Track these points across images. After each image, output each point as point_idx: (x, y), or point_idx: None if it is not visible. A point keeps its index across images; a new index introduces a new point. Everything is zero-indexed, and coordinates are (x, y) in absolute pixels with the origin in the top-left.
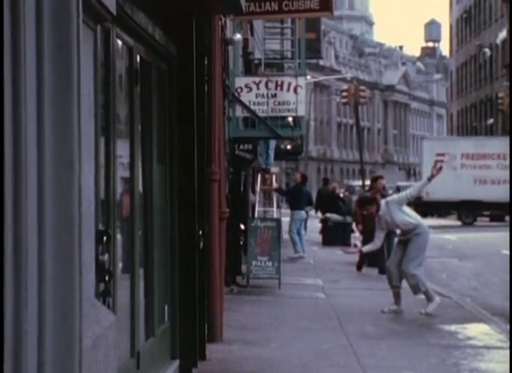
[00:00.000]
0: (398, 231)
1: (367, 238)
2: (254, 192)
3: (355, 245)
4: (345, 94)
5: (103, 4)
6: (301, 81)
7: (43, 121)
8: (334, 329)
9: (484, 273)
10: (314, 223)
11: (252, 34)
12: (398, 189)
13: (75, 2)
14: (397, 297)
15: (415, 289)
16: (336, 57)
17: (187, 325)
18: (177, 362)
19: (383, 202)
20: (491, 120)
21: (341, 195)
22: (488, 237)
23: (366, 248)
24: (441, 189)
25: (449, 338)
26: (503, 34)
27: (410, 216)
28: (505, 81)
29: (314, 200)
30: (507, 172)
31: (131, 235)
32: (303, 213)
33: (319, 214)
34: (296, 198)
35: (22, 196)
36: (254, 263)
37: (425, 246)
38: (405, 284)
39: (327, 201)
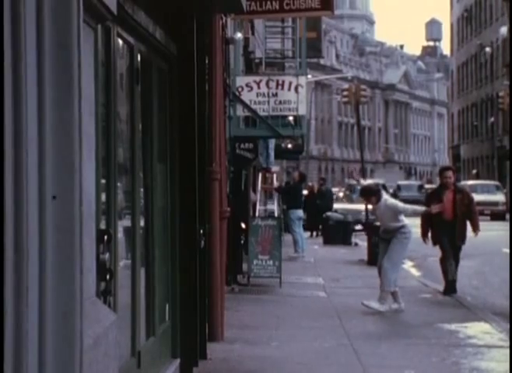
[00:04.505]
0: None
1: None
2: (254, 191)
3: (356, 244)
4: (345, 93)
5: (103, 3)
6: (302, 80)
7: (43, 121)
8: (335, 327)
9: (485, 271)
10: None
11: (253, 33)
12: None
13: (75, 2)
14: (395, 295)
15: (385, 285)
16: (337, 56)
17: (188, 324)
18: (177, 361)
19: (383, 199)
20: (491, 119)
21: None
22: (488, 236)
23: None
24: None
25: (449, 337)
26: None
27: (398, 220)
28: (506, 80)
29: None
30: None
31: (132, 235)
32: (299, 211)
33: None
34: (292, 197)
35: (23, 196)
36: (255, 261)
37: (406, 247)
38: (402, 283)
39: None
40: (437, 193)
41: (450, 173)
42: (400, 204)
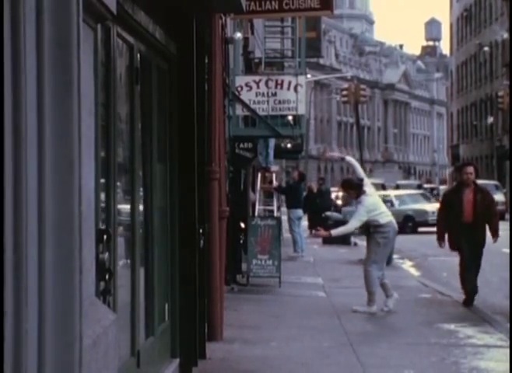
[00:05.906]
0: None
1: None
2: (254, 190)
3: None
4: (345, 93)
5: (103, 3)
6: (301, 79)
7: (43, 120)
8: (334, 327)
9: (484, 271)
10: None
11: (252, 33)
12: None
13: (75, 1)
14: (384, 287)
15: (368, 286)
16: (336, 55)
17: (187, 324)
18: (177, 361)
19: (360, 198)
20: (491, 119)
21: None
22: (488, 236)
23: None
24: None
25: (449, 337)
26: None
27: (373, 220)
28: (505, 80)
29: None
30: None
31: (131, 234)
32: (299, 211)
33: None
34: (292, 196)
35: (23, 195)
36: (254, 261)
37: (386, 246)
38: (402, 282)
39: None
40: (456, 192)
41: (471, 169)
42: (359, 213)
